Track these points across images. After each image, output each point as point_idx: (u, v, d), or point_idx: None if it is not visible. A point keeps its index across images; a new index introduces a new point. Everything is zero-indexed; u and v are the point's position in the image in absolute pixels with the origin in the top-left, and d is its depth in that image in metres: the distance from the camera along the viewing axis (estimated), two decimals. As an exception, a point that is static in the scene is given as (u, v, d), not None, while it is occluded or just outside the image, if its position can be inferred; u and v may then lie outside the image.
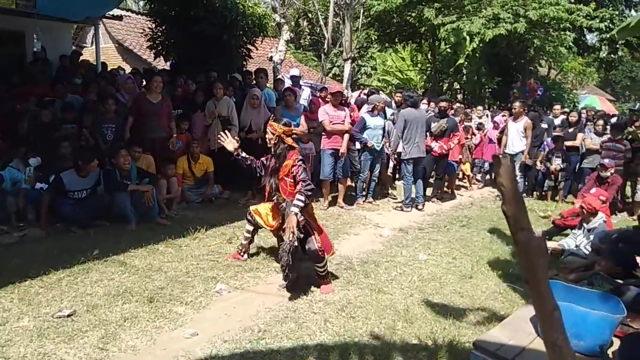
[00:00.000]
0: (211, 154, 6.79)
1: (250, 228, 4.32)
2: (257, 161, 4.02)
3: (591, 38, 18.28)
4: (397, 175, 8.78)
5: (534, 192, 8.46)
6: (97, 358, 2.75)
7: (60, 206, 5.08)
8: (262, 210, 4.17)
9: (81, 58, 9.66)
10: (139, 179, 5.56)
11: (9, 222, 5.02)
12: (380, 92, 10.76)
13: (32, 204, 5.22)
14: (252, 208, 4.29)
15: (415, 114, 6.84)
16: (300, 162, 3.72)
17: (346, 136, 6.56)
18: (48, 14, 7.99)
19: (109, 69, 9.79)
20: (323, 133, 6.61)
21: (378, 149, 6.90)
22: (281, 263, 3.64)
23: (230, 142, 4.00)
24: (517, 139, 7.70)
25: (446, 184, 8.40)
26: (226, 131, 4.11)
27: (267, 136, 3.86)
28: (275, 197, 3.93)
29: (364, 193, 7.15)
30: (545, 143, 8.25)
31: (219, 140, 4.27)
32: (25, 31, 9.04)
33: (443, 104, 7.66)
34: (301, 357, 2.87)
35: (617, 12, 14.53)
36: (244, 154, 4.04)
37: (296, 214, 3.55)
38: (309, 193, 3.66)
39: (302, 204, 3.60)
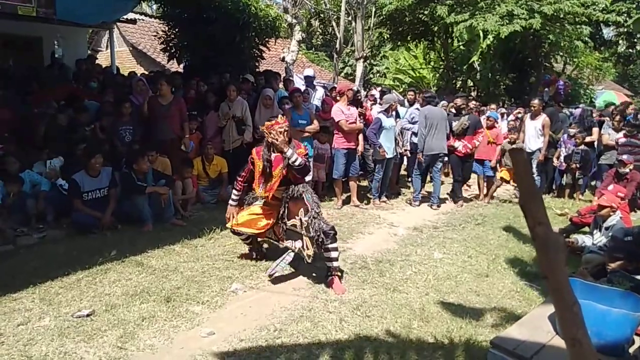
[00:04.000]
0: (225, 154, 6.84)
1: (244, 237, 4.29)
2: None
3: (608, 32, 17.99)
4: (406, 172, 8.75)
5: (552, 190, 8.33)
6: (116, 357, 2.79)
7: (74, 214, 5.19)
8: (245, 218, 4.10)
9: (95, 62, 9.80)
10: (155, 180, 5.63)
11: (28, 224, 5.11)
12: (392, 90, 10.72)
13: (52, 206, 5.32)
14: (231, 225, 4.16)
15: (435, 112, 6.79)
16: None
17: (360, 135, 6.56)
18: (65, 19, 8.13)
19: (120, 72, 9.95)
20: (336, 132, 6.60)
21: (390, 155, 6.88)
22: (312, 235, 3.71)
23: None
24: (534, 137, 7.60)
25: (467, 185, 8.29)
26: None
27: (277, 137, 3.78)
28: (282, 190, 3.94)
29: (378, 193, 7.14)
30: (562, 139, 8.13)
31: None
32: (43, 36, 9.23)
33: (458, 100, 7.52)
34: (317, 356, 2.88)
35: (634, 6, 14.25)
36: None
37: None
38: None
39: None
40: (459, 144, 7.04)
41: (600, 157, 8.01)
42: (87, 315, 3.24)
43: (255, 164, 3.97)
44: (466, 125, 7.05)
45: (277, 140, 3.75)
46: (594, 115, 9.50)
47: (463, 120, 7.07)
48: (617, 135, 7.64)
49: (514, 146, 7.24)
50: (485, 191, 7.70)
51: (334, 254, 3.83)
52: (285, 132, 3.79)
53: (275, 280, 4.02)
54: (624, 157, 6.56)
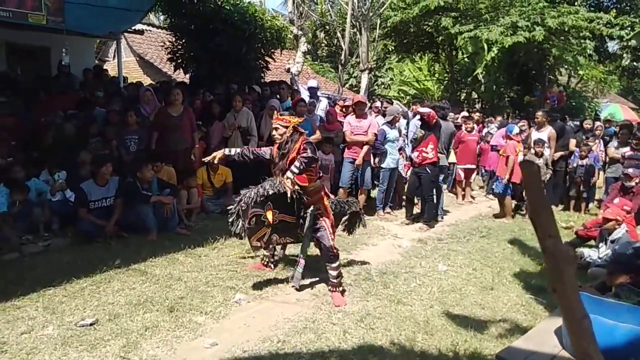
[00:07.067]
0: (230, 164, 6.85)
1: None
2: (248, 148, 4.11)
3: (612, 46, 18.01)
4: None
5: (560, 203, 8.24)
6: (118, 367, 2.78)
7: (78, 222, 5.20)
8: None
9: (104, 72, 9.88)
10: (160, 189, 5.64)
11: (34, 232, 5.13)
12: (394, 102, 10.75)
13: (57, 215, 5.34)
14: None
15: (441, 125, 6.74)
16: (307, 144, 3.76)
17: (365, 147, 6.56)
18: (73, 29, 8.22)
19: (128, 81, 10.03)
20: (343, 143, 6.70)
21: (394, 166, 6.88)
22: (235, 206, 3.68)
23: (213, 156, 4.04)
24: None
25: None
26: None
27: (277, 132, 3.85)
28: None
29: (382, 204, 7.12)
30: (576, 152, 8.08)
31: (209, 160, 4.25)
32: (51, 46, 9.33)
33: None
34: (321, 368, 2.86)
35: (638, 20, 14.28)
36: (231, 152, 4.08)
37: (288, 178, 3.64)
38: (305, 160, 3.68)
39: (296, 170, 3.66)
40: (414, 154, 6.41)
41: (606, 171, 7.99)
42: (91, 325, 3.23)
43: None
44: (419, 136, 6.37)
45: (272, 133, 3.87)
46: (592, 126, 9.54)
47: (418, 132, 6.48)
48: (623, 149, 7.62)
49: (525, 158, 7.14)
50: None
51: (332, 272, 3.84)
52: (277, 130, 3.83)
53: (279, 290, 4.00)
54: (630, 170, 6.53)
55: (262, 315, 3.55)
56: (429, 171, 6.29)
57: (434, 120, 6.29)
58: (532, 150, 7.52)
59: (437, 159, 6.35)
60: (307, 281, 4.14)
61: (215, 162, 4.10)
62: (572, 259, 0.93)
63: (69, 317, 3.36)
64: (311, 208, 3.86)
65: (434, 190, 6.63)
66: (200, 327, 3.31)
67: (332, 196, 4.38)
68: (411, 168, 6.66)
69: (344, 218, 4.55)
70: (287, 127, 3.83)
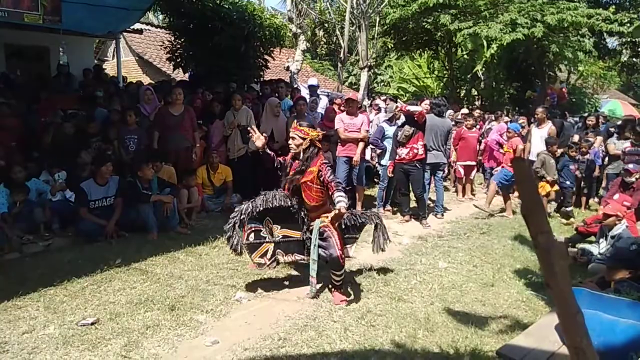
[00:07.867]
0: (230, 163, 6.87)
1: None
2: (277, 158, 3.93)
3: (612, 42, 17.97)
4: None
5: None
6: (120, 365, 2.79)
7: (79, 222, 5.21)
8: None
9: (103, 71, 9.90)
10: (160, 189, 5.64)
11: (35, 232, 5.14)
12: (397, 99, 10.75)
13: (58, 215, 5.35)
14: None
15: (436, 122, 6.73)
16: (325, 164, 3.72)
17: (361, 144, 6.55)
18: (72, 29, 8.23)
19: (127, 81, 10.04)
20: (338, 140, 6.65)
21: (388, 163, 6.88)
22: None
23: (258, 138, 3.80)
24: (540, 145, 7.56)
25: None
26: (254, 127, 4.02)
27: (294, 141, 3.77)
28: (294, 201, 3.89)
29: (382, 202, 7.13)
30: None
31: (249, 136, 4.10)
32: (50, 47, 9.35)
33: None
34: (322, 365, 2.86)
35: (637, 16, 14.24)
36: (268, 150, 3.90)
37: (344, 207, 3.59)
38: (344, 192, 3.66)
39: (344, 198, 3.61)
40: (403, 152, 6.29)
41: (607, 167, 7.99)
42: (92, 324, 3.24)
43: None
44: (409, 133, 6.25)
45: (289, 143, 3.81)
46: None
47: (406, 129, 6.33)
48: (623, 145, 7.61)
49: (540, 157, 7.13)
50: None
51: (336, 278, 3.78)
52: (294, 140, 3.76)
53: (280, 288, 4.01)
54: (630, 166, 6.52)
55: (262, 313, 3.55)
56: (418, 167, 6.34)
57: (424, 119, 6.33)
58: (531, 147, 7.53)
59: (425, 156, 6.43)
60: (307, 279, 4.13)
61: (259, 145, 3.79)
62: (565, 254, 0.93)
63: (70, 316, 3.37)
64: (317, 221, 3.75)
65: (424, 186, 6.67)
66: (202, 325, 3.31)
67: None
68: (395, 165, 6.53)
69: (371, 236, 4.40)
70: (304, 139, 3.74)
